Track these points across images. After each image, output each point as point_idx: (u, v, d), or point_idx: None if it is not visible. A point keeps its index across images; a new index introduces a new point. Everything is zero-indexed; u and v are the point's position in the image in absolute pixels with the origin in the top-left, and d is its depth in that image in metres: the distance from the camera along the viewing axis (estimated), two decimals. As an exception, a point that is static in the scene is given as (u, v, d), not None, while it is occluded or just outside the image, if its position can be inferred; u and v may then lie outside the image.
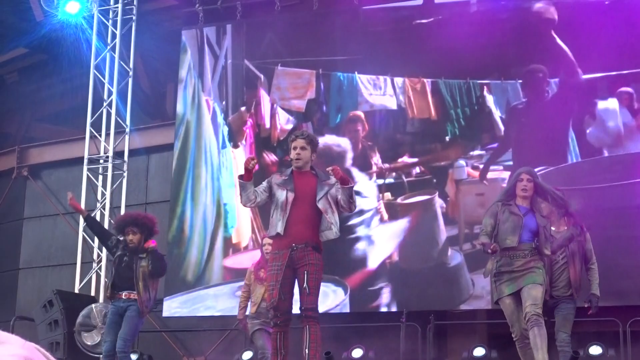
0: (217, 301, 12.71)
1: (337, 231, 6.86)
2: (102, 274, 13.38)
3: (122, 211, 13.57)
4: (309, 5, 13.17)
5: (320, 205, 6.81)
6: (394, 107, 12.26)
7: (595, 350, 9.52)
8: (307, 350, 6.72)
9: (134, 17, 14.03)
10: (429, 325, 10.89)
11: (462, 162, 11.80)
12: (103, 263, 13.42)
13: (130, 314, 8.59)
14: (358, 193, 11.51)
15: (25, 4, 14.50)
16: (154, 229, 8.85)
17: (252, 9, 13.39)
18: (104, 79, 13.91)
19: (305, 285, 6.69)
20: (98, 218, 13.41)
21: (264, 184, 6.99)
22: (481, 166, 11.68)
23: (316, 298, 6.79)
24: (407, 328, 10.64)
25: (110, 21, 14.08)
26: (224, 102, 13.36)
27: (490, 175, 11.58)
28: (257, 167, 7.20)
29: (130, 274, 8.56)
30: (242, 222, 12.79)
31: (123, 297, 8.62)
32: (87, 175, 13.78)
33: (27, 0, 14.57)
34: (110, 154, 13.76)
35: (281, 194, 6.84)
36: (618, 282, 10.48)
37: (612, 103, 11.12)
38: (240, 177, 6.88)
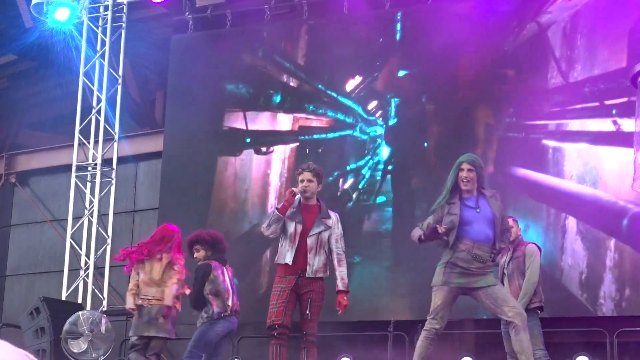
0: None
1: (310, 273, 7.21)
2: (90, 281, 13.35)
3: (110, 219, 13.57)
4: (298, 13, 13.19)
5: (309, 241, 7.25)
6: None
7: (582, 360, 9.54)
8: None
9: (124, 25, 14.01)
10: (417, 334, 10.88)
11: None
12: (90, 270, 13.39)
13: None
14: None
15: (15, 11, 14.48)
16: (218, 245, 8.61)
17: (241, 18, 13.39)
18: (93, 86, 13.90)
19: (307, 312, 7.19)
20: (85, 225, 13.41)
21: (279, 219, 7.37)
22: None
23: (317, 324, 7.32)
24: (394, 337, 10.64)
25: (99, 28, 14.07)
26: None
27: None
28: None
29: None
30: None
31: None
32: (75, 182, 13.76)
33: (17, 6, 14.55)
34: (99, 161, 13.73)
35: (290, 226, 7.29)
36: (604, 293, 10.51)
37: None
38: (279, 210, 7.31)
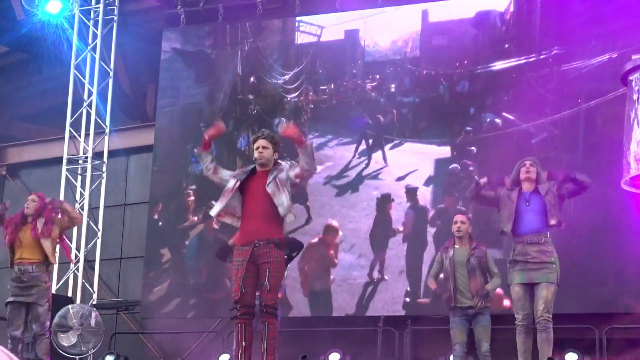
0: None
1: (284, 210, 6.97)
2: (80, 274, 13.34)
3: (101, 212, 13.55)
4: (290, 8, 13.18)
5: (269, 189, 7.00)
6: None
7: (571, 357, 9.54)
8: (265, 345, 6.91)
9: (115, 18, 13.99)
10: (406, 330, 10.91)
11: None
12: (80, 264, 13.38)
13: None
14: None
15: (6, 3, 14.43)
16: None
17: (234, 12, 13.38)
18: (85, 79, 13.87)
19: (266, 282, 6.89)
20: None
21: (232, 172, 7.36)
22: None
23: (276, 295, 6.98)
24: (384, 333, 10.65)
25: (91, 21, 14.04)
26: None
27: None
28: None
29: None
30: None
31: None
32: (66, 175, 13.74)
33: (8, -1, 14.52)
34: (90, 154, 13.71)
35: (230, 182, 7.17)
36: (594, 290, 10.53)
37: None
38: (199, 148, 7.36)
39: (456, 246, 8.68)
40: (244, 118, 13.21)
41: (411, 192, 11.78)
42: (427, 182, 11.82)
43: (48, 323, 9.05)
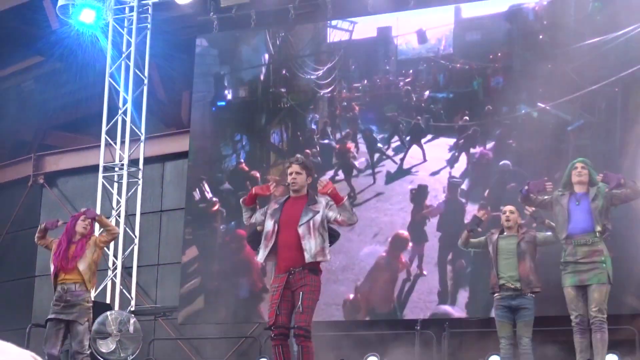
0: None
1: (310, 257, 7.10)
2: (118, 281, 13.42)
3: (137, 219, 13.63)
4: (322, 12, 13.18)
5: (300, 230, 7.14)
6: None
7: (611, 358, 9.47)
8: None
9: (149, 26, 14.07)
10: (444, 333, 10.88)
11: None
12: (118, 270, 13.46)
13: None
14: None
15: (41, 13, 14.58)
16: None
17: (266, 17, 13.41)
18: (119, 87, 13.96)
19: (299, 304, 7.02)
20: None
21: (263, 210, 7.47)
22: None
23: (309, 317, 7.08)
24: (421, 336, 10.63)
25: (125, 29, 14.13)
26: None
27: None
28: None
29: None
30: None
31: None
32: (103, 183, 13.83)
33: (43, 8, 14.65)
34: (126, 161, 13.80)
35: (268, 224, 7.29)
36: (633, 290, 10.43)
37: None
38: (243, 200, 7.49)
39: (504, 233, 8.68)
40: (277, 111, 13.26)
41: (453, 186, 11.72)
42: (462, 177, 11.79)
43: (87, 343, 9.08)
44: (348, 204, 7.23)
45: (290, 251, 7.14)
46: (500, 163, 11.54)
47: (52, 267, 9.11)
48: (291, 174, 7.32)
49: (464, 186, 11.74)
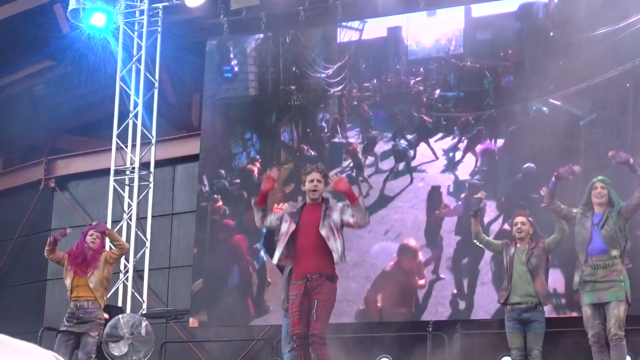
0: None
1: (338, 258, 7.16)
2: (129, 284, 13.43)
3: (149, 222, 13.65)
4: (332, 14, 13.18)
5: (323, 232, 7.15)
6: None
7: None
8: None
9: (159, 29, 14.09)
10: (456, 335, 10.86)
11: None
12: (130, 274, 13.47)
13: None
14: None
15: (52, 17, 14.61)
16: None
17: (276, 20, 13.41)
18: (130, 90, 13.98)
19: (314, 311, 7.05)
20: (124, 229, 13.49)
21: (279, 215, 7.46)
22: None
23: (323, 325, 7.11)
24: (433, 338, 10.61)
25: (135, 33, 14.15)
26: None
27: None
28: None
29: None
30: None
31: None
32: (114, 186, 13.85)
33: (54, 13, 14.69)
34: (137, 165, 13.81)
35: (284, 226, 7.29)
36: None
37: None
38: (255, 201, 7.48)
39: (518, 245, 8.67)
40: (287, 109, 13.26)
41: (473, 188, 11.65)
42: (472, 175, 11.77)
43: (94, 355, 9.13)
44: (362, 204, 7.25)
45: (308, 257, 7.17)
46: (525, 166, 11.42)
47: (67, 282, 9.15)
48: (312, 181, 7.31)
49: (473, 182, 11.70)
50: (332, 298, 7.19)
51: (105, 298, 9.31)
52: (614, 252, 7.90)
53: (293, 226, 7.22)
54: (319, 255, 7.14)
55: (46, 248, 9.36)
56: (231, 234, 13.00)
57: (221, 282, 12.89)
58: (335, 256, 7.11)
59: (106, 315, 9.39)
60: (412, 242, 11.86)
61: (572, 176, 8.43)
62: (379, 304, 11.86)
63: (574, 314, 10.18)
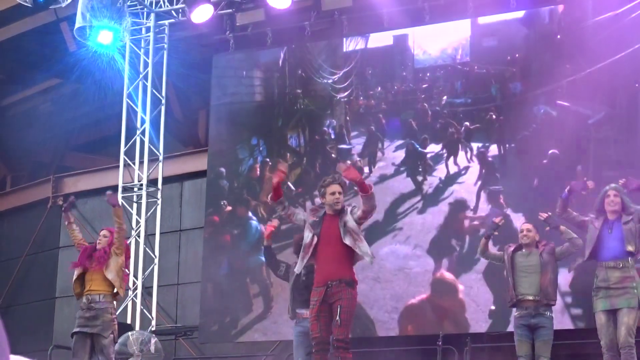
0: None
1: (371, 259, 7.51)
2: (138, 301, 13.42)
3: (157, 238, 13.64)
4: (338, 28, 13.20)
5: (347, 242, 7.36)
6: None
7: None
8: None
9: (166, 46, 14.12)
10: (466, 348, 10.82)
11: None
12: (139, 290, 13.46)
13: None
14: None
15: (58, 35, 14.65)
16: None
17: (282, 35, 13.43)
18: (137, 107, 14.00)
19: (337, 317, 7.26)
20: (133, 245, 13.47)
21: (305, 213, 7.85)
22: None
23: (347, 329, 7.35)
24: (443, 351, 10.57)
25: (142, 50, 14.18)
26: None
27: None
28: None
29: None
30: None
31: (305, 316, 8.62)
32: (122, 203, 13.84)
33: (60, 30, 14.73)
34: (144, 181, 13.82)
35: (307, 236, 7.52)
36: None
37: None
38: (271, 197, 7.74)
39: (522, 250, 8.67)
40: (293, 113, 13.28)
41: (493, 195, 11.63)
42: (480, 179, 11.78)
43: (113, 356, 9.16)
44: (373, 193, 7.42)
45: (328, 265, 7.40)
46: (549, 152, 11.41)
47: (75, 272, 9.21)
48: (334, 193, 7.47)
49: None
50: (353, 303, 7.42)
51: (123, 287, 9.42)
52: (630, 248, 7.92)
53: (315, 239, 7.43)
54: (339, 262, 7.39)
55: (66, 223, 9.75)
56: (234, 248, 12.98)
57: (229, 298, 12.87)
58: (367, 258, 7.41)
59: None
60: (447, 275, 11.72)
61: (585, 192, 8.42)
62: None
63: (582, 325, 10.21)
